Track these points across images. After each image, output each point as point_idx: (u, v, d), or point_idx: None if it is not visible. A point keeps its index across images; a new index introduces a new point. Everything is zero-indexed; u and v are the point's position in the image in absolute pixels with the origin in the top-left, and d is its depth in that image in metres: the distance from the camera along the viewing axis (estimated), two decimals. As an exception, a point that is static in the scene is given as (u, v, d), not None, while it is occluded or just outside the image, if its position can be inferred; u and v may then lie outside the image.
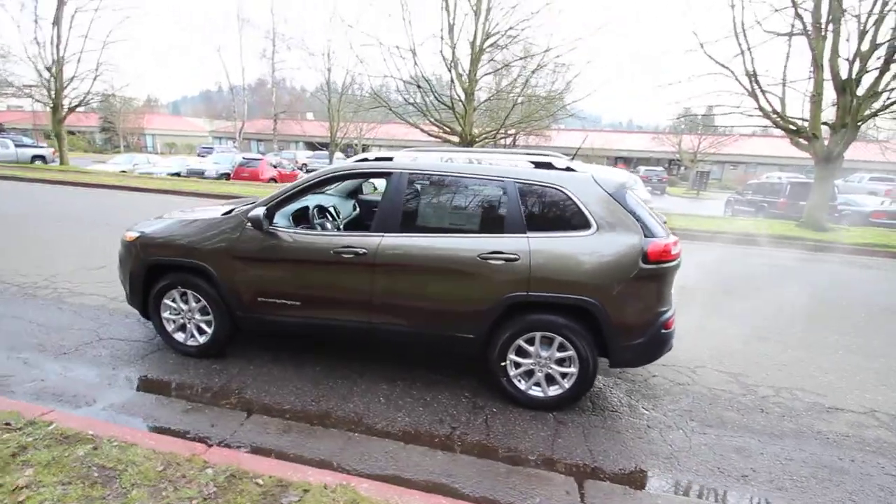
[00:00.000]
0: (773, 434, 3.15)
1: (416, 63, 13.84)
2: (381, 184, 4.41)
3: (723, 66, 11.58)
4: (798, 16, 10.45)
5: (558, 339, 3.09)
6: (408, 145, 41.23)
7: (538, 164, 3.26)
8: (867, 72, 10.22)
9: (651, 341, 3.07)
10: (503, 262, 3.03)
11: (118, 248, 3.96)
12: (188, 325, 3.68)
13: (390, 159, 3.38)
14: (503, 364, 3.20)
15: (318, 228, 3.79)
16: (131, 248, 3.68)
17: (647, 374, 3.88)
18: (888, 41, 10.11)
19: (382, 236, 3.20)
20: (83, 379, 3.35)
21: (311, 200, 4.01)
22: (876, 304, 6.38)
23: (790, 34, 10.95)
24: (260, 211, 3.25)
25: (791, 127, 11.16)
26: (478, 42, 13.95)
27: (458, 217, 3.25)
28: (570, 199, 3.06)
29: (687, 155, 35.00)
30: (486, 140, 15.62)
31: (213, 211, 4.01)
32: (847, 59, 10.20)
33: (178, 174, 21.68)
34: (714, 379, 3.84)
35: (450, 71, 13.84)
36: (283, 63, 43.23)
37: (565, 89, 15.65)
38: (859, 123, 10.33)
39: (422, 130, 15.85)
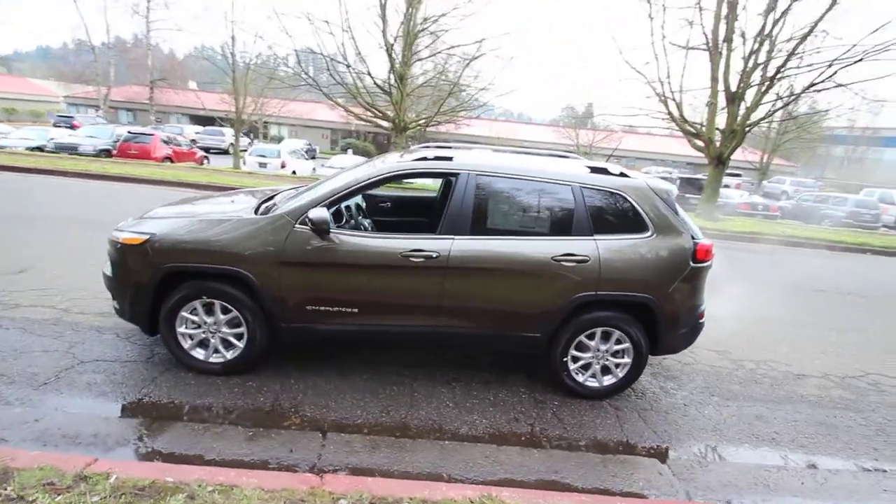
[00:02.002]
0: (773, 401, 3.77)
1: (352, 40, 13.11)
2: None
3: (638, 72, 12.87)
4: (704, 34, 11.99)
5: (616, 333, 3.33)
6: (310, 125, 38.96)
7: (594, 169, 3.42)
8: (750, 86, 12.14)
9: (691, 330, 3.46)
10: (575, 263, 3.15)
11: (108, 253, 3.31)
12: (212, 340, 3.23)
13: (450, 158, 3.28)
14: (565, 360, 3.35)
15: (362, 229, 3.54)
16: (134, 253, 3.09)
17: (657, 357, 4.34)
18: (763, 63, 12.08)
19: (453, 239, 3.11)
20: (90, 413, 2.78)
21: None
22: (789, 283, 7.76)
23: (688, 48, 12.49)
24: (324, 213, 2.95)
25: (691, 130, 12.87)
26: (412, 25, 13.66)
27: (528, 219, 3.28)
28: (630, 203, 3.27)
29: (583, 148, 38.21)
30: (418, 127, 15.48)
31: (235, 205, 3.53)
32: (738, 73, 12.01)
33: (39, 149, 18.00)
34: (709, 357, 4.43)
35: (388, 53, 13.37)
36: (160, 22, 37.54)
37: (489, 84, 16.01)
38: (747, 130, 12.31)
39: (350, 113, 15.15)
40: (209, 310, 3.19)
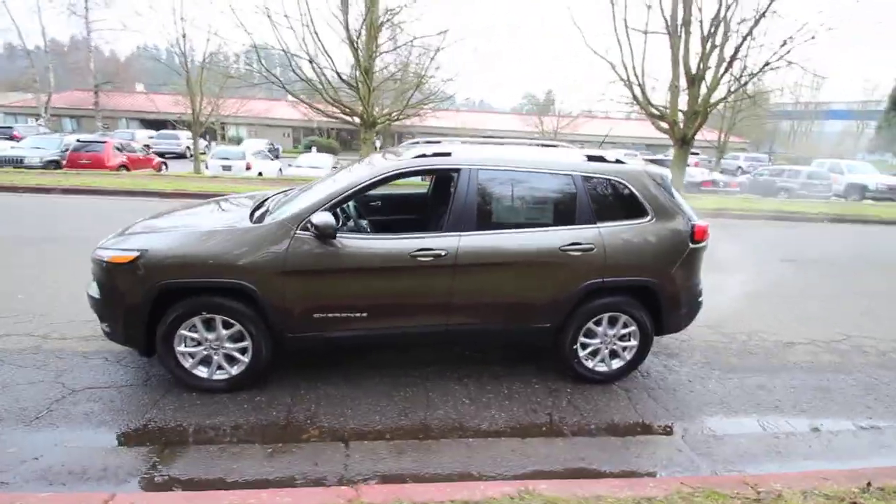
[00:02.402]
0: (770, 370, 3.93)
1: (315, 35, 12.72)
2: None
3: (602, 57, 13.06)
4: (664, 17, 12.25)
5: (623, 317, 3.38)
6: (270, 124, 37.86)
7: (591, 158, 3.44)
8: (709, 68, 12.52)
9: (692, 309, 3.56)
10: (581, 252, 3.18)
11: (93, 273, 3.10)
12: (214, 357, 3.09)
13: (449, 154, 3.23)
14: (574, 347, 3.39)
15: (361, 231, 3.45)
16: (124, 271, 2.90)
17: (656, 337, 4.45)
18: (720, 45, 12.47)
19: (460, 236, 3.07)
20: (94, 445, 2.61)
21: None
22: (762, 256, 8.09)
23: (648, 32, 12.75)
24: (328, 217, 2.84)
25: (656, 112, 13.19)
26: (375, 17, 13.36)
27: (532, 211, 3.27)
28: (629, 189, 3.32)
29: (548, 134, 38.68)
30: (388, 121, 15.24)
31: (228, 215, 3.38)
32: (697, 55, 12.37)
33: (-22, 164, 16.74)
34: (703, 333, 4.58)
35: (353, 45, 13.04)
36: (101, 22, 35.31)
37: (455, 75, 15.88)
38: (709, 110, 12.72)
39: (316, 110, 14.76)
40: (209, 325, 3.04)
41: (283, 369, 3.44)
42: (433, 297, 3.11)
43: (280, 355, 3.21)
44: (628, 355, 3.49)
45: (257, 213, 3.34)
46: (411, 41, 14.24)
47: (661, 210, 3.34)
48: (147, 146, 26.64)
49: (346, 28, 13.09)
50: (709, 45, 12.24)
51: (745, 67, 12.10)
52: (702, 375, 3.78)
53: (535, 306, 3.24)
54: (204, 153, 23.33)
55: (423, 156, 3.19)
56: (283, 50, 13.10)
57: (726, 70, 11.91)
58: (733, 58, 11.73)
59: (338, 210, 3.30)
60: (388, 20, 13.77)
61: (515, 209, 3.27)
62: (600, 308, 3.32)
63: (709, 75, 12.49)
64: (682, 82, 12.81)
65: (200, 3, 25.74)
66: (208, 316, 2.99)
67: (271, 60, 16.31)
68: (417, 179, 5.76)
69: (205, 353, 3.07)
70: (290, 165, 20.03)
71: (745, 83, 12.43)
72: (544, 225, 3.23)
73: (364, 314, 3.07)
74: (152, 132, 33.41)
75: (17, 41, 33.78)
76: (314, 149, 32.12)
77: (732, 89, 12.43)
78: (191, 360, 3.08)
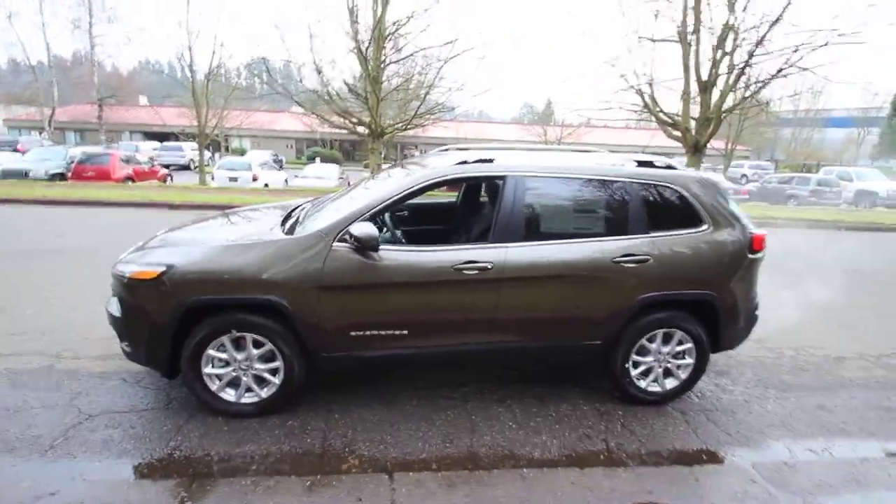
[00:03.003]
0: (826, 388, 3.70)
1: (323, 45, 12.64)
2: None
3: (612, 65, 12.97)
4: (676, 25, 12.18)
5: (678, 333, 3.16)
6: (273, 136, 38.14)
7: (640, 163, 3.24)
8: (720, 75, 12.42)
9: (749, 323, 3.34)
10: (635, 264, 2.96)
11: (113, 289, 2.89)
12: (243, 379, 2.86)
13: (491, 160, 3.03)
14: (626, 366, 3.16)
15: (401, 242, 3.25)
16: (149, 288, 2.69)
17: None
18: (730, 52, 12.39)
19: (507, 247, 2.87)
20: (115, 478, 2.38)
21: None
22: (791, 265, 7.85)
23: (655, 40, 12.67)
24: (370, 228, 2.64)
25: (668, 120, 13.07)
26: (383, 28, 13.32)
27: (581, 220, 3.07)
28: (684, 197, 3.11)
29: (551, 143, 38.70)
30: (395, 131, 15.14)
31: (255, 226, 3.18)
32: (708, 61, 12.28)
33: (-17, 176, 16.62)
34: (748, 348, 4.32)
35: (362, 55, 12.97)
36: (104, 38, 35.50)
37: (462, 85, 15.83)
38: (723, 117, 12.60)
39: (326, 122, 14.69)
40: (238, 345, 2.82)
41: (312, 390, 3.21)
42: (477, 313, 2.89)
43: (311, 375, 2.98)
44: (683, 374, 3.26)
45: (287, 225, 3.14)
46: (418, 51, 14.20)
47: (717, 218, 3.13)
48: (152, 158, 26.64)
49: (356, 38, 13.04)
50: (719, 53, 12.15)
51: (758, 74, 11.95)
52: (758, 395, 3.54)
53: (585, 322, 3.02)
54: (208, 165, 23.22)
55: (465, 163, 2.99)
56: (289, 61, 13.05)
57: (738, 77, 11.78)
58: (746, 64, 11.61)
59: (389, 219, 3.10)
60: (395, 31, 13.74)
61: (564, 218, 3.06)
62: (654, 324, 3.10)
63: (721, 82, 12.38)
64: (694, 89, 12.69)
65: (206, 14, 25.76)
66: (238, 335, 2.77)
67: (276, 72, 16.29)
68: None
69: (233, 374, 2.85)
70: (295, 176, 19.88)
71: (758, 90, 12.30)
72: (595, 235, 3.02)
73: (404, 332, 2.85)
74: (156, 144, 33.46)
75: (22, 56, 33.99)
76: (318, 159, 32.09)
77: (746, 95, 12.27)
78: (218, 382, 2.85)
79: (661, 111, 12.96)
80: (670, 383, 3.27)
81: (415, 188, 2.85)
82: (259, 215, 3.56)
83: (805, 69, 11.76)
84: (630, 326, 3.08)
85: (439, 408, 3.13)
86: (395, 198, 2.83)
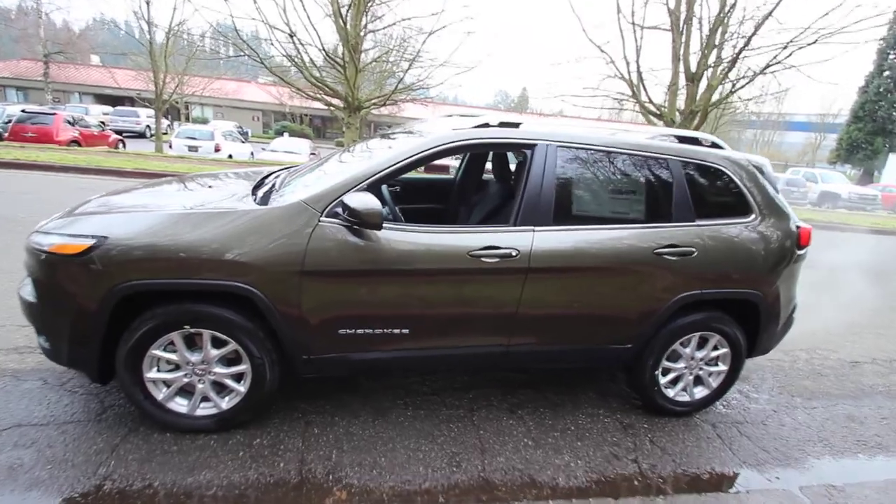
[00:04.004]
0: (850, 396, 3.43)
1: (301, 5, 11.65)
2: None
3: (602, 50, 12.56)
4: (669, 12, 11.86)
5: (715, 337, 2.77)
6: (239, 106, 36.12)
7: (682, 139, 2.80)
8: (708, 67, 12.25)
9: (786, 326, 3.00)
10: (678, 257, 2.53)
11: (27, 267, 2.21)
12: (199, 385, 2.27)
13: (517, 125, 2.50)
14: (655, 373, 2.75)
15: (396, 220, 2.69)
16: (73, 266, 2.04)
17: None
18: (718, 45, 12.23)
19: (534, 231, 2.36)
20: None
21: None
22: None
23: (644, 27, 12.35)
24: (372, 200, 2.07)
25: (655, 111, 12.84)
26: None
27: (620, 203, 2.60)
28: (733, 180, 2.70)
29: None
30: (373, 106, 14.29)
31: (218, 192, 2.55)
32: (697, 53, 12.07)
33: None
34: (762, 349, 4.05)
35: (341, 20, 12.02)
36: (52, -13, 32.28)
37: (446, 61, 15.14)
38: (710, 110, 12.46)
39: (299, 92, 13.69)
40: (193, 343, 2.22)
41: (285, 394, 2.65)
42: (495, 310, 2.39)
43: (287, 381, 2.42)
44: (715, 382, 2.89)
45: (260, 193, 2.52)
46: (401, 21, 13.36)
47: (767, 207, 2.74)
48: (103, 123, 24.54)
49: (335, 1, 12.07)
50: (707, 45, 11.96)
51: (746, 69, 11.84)
52: (785, 404, 3.23)
53: (617, 323, 2.58)
54: (166, 133, 21.57)
55: (487, 125, 2.45)
56: (263, 21, 11.95)
57: (729, 70, 11.64)
58: (735, 59, 11.47)
59: (387, 192, 2.54)
60: (377, -2, 12.83)
61: (601, 200, 2.58)
62: (691, 326, 2.69)
63: (708, 74, 12.22)
64: (681, 80, 12.49)
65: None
66: (192, 331, 2.17)
67: (245, 38, 15.04)
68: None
69: (186, 379, 2.25)
70: (263, 149, 18.66)
71: (745, 85, 12.21)
72: (635, 221, 2.56)
73: (404, 331, 2.32)
74: (108, 108, 30.97)
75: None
76: (286, 134, 30.54)
77: (733, 89, 12.17)
78: (165, 390, 2.25)
79: (650, 101, 12.71)
80: (700, 392, 2.89)
81: (427, 152, 2.28)
82: (224, 182, 2.92)
83: (792, 67, 11.76)
84: (664, 329, 2.66)
85: (441, 419, 2.63)
86: (402, 163, 2.26)
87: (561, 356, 2.63)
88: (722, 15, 11.86)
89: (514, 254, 2.30)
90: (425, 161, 2.31)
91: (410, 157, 2.26)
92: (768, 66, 11.65)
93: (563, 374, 3.26)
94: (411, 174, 3.43)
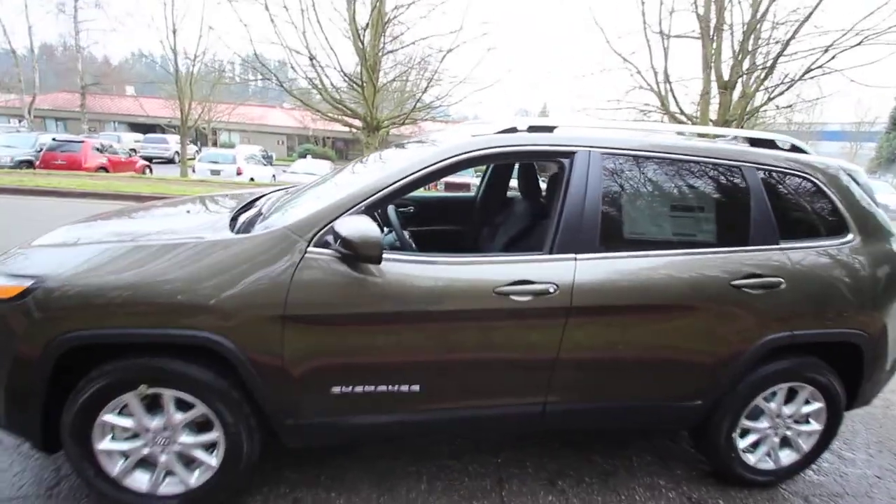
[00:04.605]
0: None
1: (319, 26, 11.66)
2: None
3: (627, 61, 12.10)
4: (698, 19, 11.35)
5: (807, 389, 2.19)
6: (264, 131, 36.99)
7: (754, 142, 2.29)
8: (742, 74, 11.62)
9: (893, 369, 2.39)
10: (763, 290, 1.99)
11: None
12: (161, 458, 1.83)
13: (552, 129, 2.04)
14: (733, 435, 2.19)
15: (412, 249, 2.24)
16: (8, 312, 1.66)
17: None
18: (752, 51, 11.62)
19: (576, 259, 1.87)
20: None
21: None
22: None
23: (672, 36, 11.86)
24: (368, 226, 1.62)
25: (686, 122, 12.22)
26: (383, 12, 12.33)
27: (684, 222, 2.09)
28: (824, 193, 2.15)
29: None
30: (393, 125, 14.12)
31: (194, 219, 2.17)
32: (730, 59, 11.48)
33: (-57, 162, 15.32)
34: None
35: (359, 40, 11.95)
36: (91, 23, 33.88)
37: (466, 78, 14.94)
38: (746, 118, 11.78)
39: (319, 113, 13.68)
40: (154, 406, 1.80)
41: (269, 459, 2.18)
42: (529, 361, 1.90)
43: (270, 450, 1.96)
44: (806, 444, 2.29)
45: (243, 218, 2.12)
46: (419, 40, 13.24)
47: (866, 225, 2.18)
48: (133, 150, 25.33)
49: (353, 22, 12.03)
50: (741, 51, 11.36)
51: (784, 75, 11.17)
52: (889, 467, 2.58)
53: (684, 375, 2.04)
54: (192, 158, 22.00)
55: (514, 130, 1.99)
56: (283, 44, 11.98)
57: (766, 76, 10.99)
58: (774, 64, 10.83)
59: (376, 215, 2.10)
60: (395, 17, 12.76)
61: (659, 218, 2.08)
62: (777, 376, 2.13)
63: (742, 81, 11.59)
64: (714, 89, 11.88)
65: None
66: (151, 391, 1.74)
67: (267, 63, 15.22)
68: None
69: (145, 450, 1.82)
70: (284, 172, 18.75)
71: (783, 91, 11.51)
72: (704, 245, 2.04)
73: (414, 388, 1.85)
74: (140, 136, 32.14)
75: (3, 40, 32.37)
76: (309, 156, 30.89)
77: (772, 96, 11.48)
78: (121, 463, 1.82)
79: (681, 111, 12.12)
80: (787, 457, 2.30)
81: (440, 164, 1.83)
82: (210, 206, 2.53)
83: (835, 71, 11.03)
84: (744, 380, 2.10)
85: (462, 495, 2.12)
86: (408, 179, 1.81)
87: (611, 416, 2.10)
88: (755, 20, 11.29)
89: (551, 290, 1.81)
90: (439, 175, 1.86)
91: (420, 171, 1.82)
92: (809, 70, 10.95)
93: (603, 432, 2.70)
94: (428, 191, 3.00)
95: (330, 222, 1.75)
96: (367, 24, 12.09)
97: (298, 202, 2.12)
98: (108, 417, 1.75)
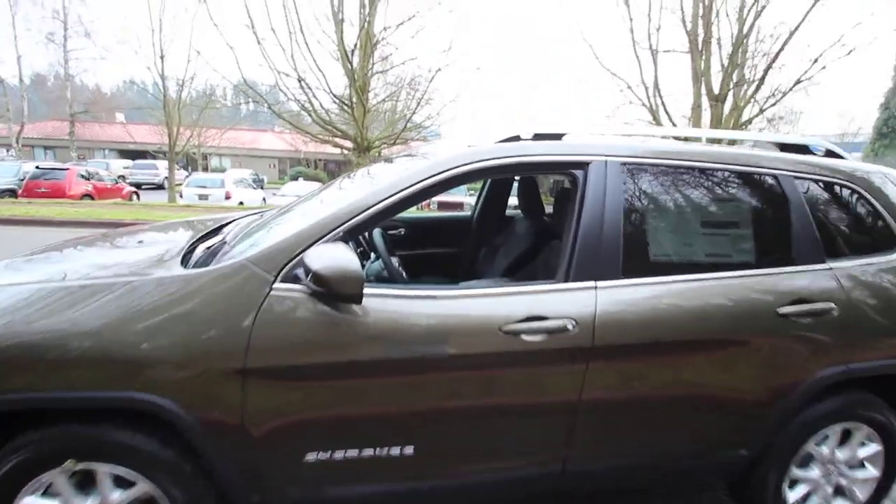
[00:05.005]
0: None
1: (306, 46, 11.55)
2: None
3: (616, 76, 12.10)
4: (687, 34, 11.40)
5: (864, 429, 1.89)
6: (256, 155, 36.86)
7: (785, 147, 2.03)
8: (730, 89, 11.63)
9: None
10: (812, 318, 1.71)
11: None
12: (96, 547, 1.48)
13: (561, 137, 1.77)
14: (783, 486, 1.87)
15: (402, 279, 1.94)
16: None
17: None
18: (740, 64, 11.68)
19: (596, 287, 1.58)
20: None
21: None
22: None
23: (658, 51, 11.92)
24: (344, 257, 1.32)
25: (679, 136, 12.14)
26: (371, 34, 12.29)
27: (717, 241, 1.81)
28: (869, 202, 1.90)
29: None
30: (384, 145, 13.96)
31: (145, 251, 1.86)
32: (719, 73, 11.50)
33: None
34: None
35: (347, 60, 11.85)
36: (79, 52, 33.84)
37: (455, 98, 14.93)
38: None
39: (308, 135, 13.52)
40: (85, 483, 1.45)
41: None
42: (545, 413, 1.59)
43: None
44: (862, 493, 1.97)
45: (202, 249, 1.81)
46: (409, 60, 13.19)
47: (918, 239, 1.92)
48: (122, 177, 25.04)
49: (342, 43, 11.96)
50: (730, 64, 11.40)
51: (775, 87, 11.20)
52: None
53: (727, 421, 1.75)
54: (180, 183, 21.75)
55: (517, 138, 1.72)
56: (270, 66, 11.85)
57: (758, 89, 11.01)
58: (764, 76, 10.86)
59: (361, 239, 1.81)
60: (383, 39, 12.74)
61: (690, 237, 1.80)
62: (831, 415, 1.83)
63: (732, 95, 11.60)
64: (705, 102, 11.88)
65: (179, 18, 24.10)
66: (81, 467, 1.40)
67: (258, 87, 15.11)
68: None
69: (75, 539, 1.47)
70: (274, 195, 18.49)
71: (775, 102, 11.54)
72: (740, 266, 1.76)
73: (407, 450, 1.52)
74: (129, 162, 31.90)
75: (-8, 70, 32.16)
76: (301, 179, 30.72)
77: (763, 107, 11.49)
78: (44, 557, 1.46)
79: (673, 124, 12.08)
80: (842, 510, 1.98)
81: (432, 181, 1.54)
82: (170, 234, 2.23)
83: (822, 83, 11.08)
84: (793, 423, 1.80)
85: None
86: (394, 199, 1.52)
87: (643, 472, 1.78)
88: (742, 35, 11.37)
89: (569, 327, 1.51)
90: (430, 193, 1.58)
91: (408, 188, 1.53)
92: (799, 81, 10.98)
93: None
94: (421, 210, 2.72)
95: (301, 252, 1.45)
96: (356, 46, 12.02)
97: (269, 228, 1.82)
98: (30, 500, 1.41)
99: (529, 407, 1.57)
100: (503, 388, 1.55)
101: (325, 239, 1.45)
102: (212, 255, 1.72)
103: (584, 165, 1.67)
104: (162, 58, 17.29)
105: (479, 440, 1.58)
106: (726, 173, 1.79)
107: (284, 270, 1.43)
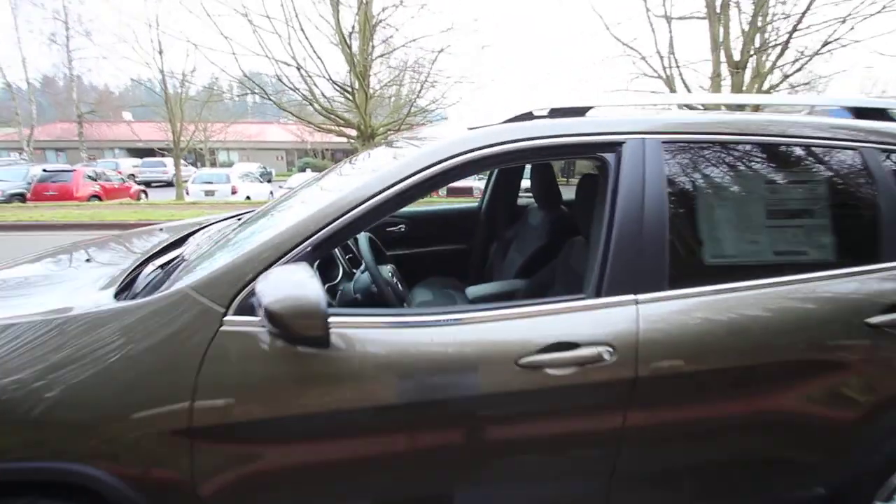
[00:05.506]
0: None
1: (302, 33, 11.15)
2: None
3: (629, 47, 11.49)
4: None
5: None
6: (263, 147, 36.85)
7: (861, 113, 1.64)
8: (751, 55, 10.95)
9: None
10: (909, 327, 1.35)
11: None
12: None
13: (585, 111, 1.41)
14: (865, 527, 1.54)
15: (403, 295, 1.62)
16: None
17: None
18: (762, 26, 10.95)
19: (636, 302, 1.24)
20: None
21: None
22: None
23: (685, 17, 11.27)
24: (304, 285, 1.00)
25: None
26: (369, 16, 11.81)
27: (787, 235, 1.44)
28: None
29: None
30: (389, 132, 13.57)
31: (92, 271, 1.56)
32: (739, 38, 10.84)
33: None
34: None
35: (346, 46, 11.43)
36: (82, 52, 33.67)
37: (462, 78, 14.40)
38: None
39: (311, 125, 13.19)
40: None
41: None
42: (577, 467, 1.27)
43: None
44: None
45: (151, 269, 1.50)
46: (410, 41, 12.70)
47: None
48: (132, 175, 25.10)
49: (339, 28, 11.52)
50: (750, 29, 10.70)
51: (800, 50, 10.49)
52: None
53: (801, 457, 1.40)
54: (187, 180, 21.70)
55: (530, 115, 1.37)
56: (267, 55, 11.48)
57: (781, 54, 10.33)
58: (788, 40, 10.16)
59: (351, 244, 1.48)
60: (383, 20, 12.25)
61: (753, 232, 1.44)
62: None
63: (754, 61, 10.93)
64: (724, 70, 11.22)
65: (175, 12, 23.84)
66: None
67: (261, 79, 14.73)
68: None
69: None
70: (280, 187, 18.29)
71: (800, 68, 10.83)
72: (817, 266, 1.40)
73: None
74: (138, 161, 32.04)
75: (-3, 74, 32.30)
76: (308, 170, 30.50)
77: (788, 74, 10.80)
78: None
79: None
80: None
81: (424, 174, 1.20)
82: (127, 245, 1.93)
83: (853, 42, 10.33)
84: (878, 453, 1.46)
85: None
86: (375, 200, 1.18)
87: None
88: (762, -3, 10.64)
89: (605, 356, 1.18)
90: (423, 189, 1.24)
91: (390, 186, 1.19)
92: (826, 44, 10.26)
93: None
94: (422, 203, 2.42)
95: (258, 274, 1.13)
96: (353, 28, 11.57)
97: (235, 240, 1.50)
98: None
99: (555, 461, 1.25)
100: (520, 439, 1.22)
101: (285, 258, 1.13)
102: (165, 276, 1.41)
103: (616, 146, 1.31)
104: (160, 53, 17.05)
105: (491, 500, 1.27)
106: (795, 148, 1.41)
107: (238, 300, 1.12)
